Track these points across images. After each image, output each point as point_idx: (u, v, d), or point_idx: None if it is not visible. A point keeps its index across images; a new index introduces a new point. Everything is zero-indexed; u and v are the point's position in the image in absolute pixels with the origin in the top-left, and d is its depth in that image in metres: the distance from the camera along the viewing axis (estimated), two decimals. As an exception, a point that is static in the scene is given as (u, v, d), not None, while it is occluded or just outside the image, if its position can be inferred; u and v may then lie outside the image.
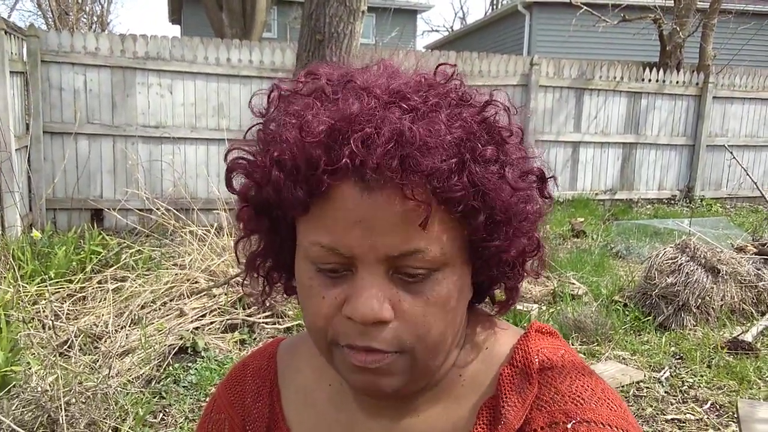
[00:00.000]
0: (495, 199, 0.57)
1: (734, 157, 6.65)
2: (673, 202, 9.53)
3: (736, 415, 2.67)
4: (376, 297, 0.57)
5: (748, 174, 6.46)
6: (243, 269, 0.70)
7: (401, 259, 0.57)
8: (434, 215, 0.56)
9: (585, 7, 11.10)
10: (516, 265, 0.65)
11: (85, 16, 22.24)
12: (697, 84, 9.54)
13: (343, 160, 0.54)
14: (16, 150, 5.76)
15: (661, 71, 9.41)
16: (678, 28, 10.33)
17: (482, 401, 0.66)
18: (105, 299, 3.95)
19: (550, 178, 0.66)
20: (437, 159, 0.54)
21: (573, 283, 4.99)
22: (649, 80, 9.27)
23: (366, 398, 0.69)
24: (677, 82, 9.46)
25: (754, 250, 4.91)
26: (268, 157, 0.58)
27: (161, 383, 3.21)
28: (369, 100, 0.57)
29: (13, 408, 2.50)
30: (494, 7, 27.46)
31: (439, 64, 0.63)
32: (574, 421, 0.60)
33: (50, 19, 20.73)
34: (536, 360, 0.65)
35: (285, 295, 0.73)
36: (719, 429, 3.04)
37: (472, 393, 0.67)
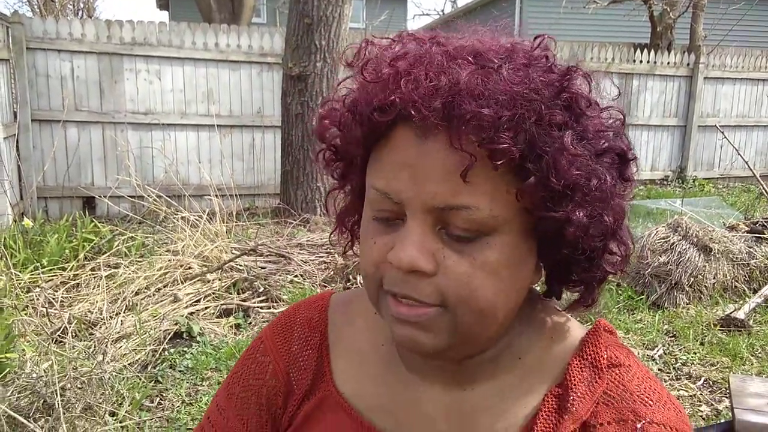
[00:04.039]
0: (551, 164, 0.55)
1: (725, 137, 6.67)
2: (665, 182, 9.57)
3: (727, 390, 2.69)
4: (417, 245, 0.57)
5: (739, 154, 6.49)
6: (334, 223, 0.74)
7: (447, 213, 0.56)
8: (482, 171, 0.54)
9: (576, -11, 11.06)
10: (589, 254, 0.61)
11: (71, 2, 21.94)
12: (688, 64, 9.54)
13: (392, 98, 0.55)
14: (4, 138, 5.70)
15: (652, 52, 9.40)
16: (668, 9, 10.31)
17: (547, 388, 0.65)
18: (98, 286, 3.93)
19: (633, 160, 0.63)
20: (483, 107, 0.53)
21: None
22: (641, 61, 9.26)
23: (416, 363, 0.69)
24: (668, 63, 9.45)
25: (746, 228, 4.94)
26: (344, 100, 0.62)
27: (157, 368, 3.21)
28: (431, 47, 0.59)
29: (9, 394, 2.49)
30: (485, -11, 27.25)
31: (537, 36, 0.61)
32: (644, 422, 0.61)
33: (35, 6, 20.44)
34: (605, 355, 0.65)
35: None
36: (712, 404, 3.07)
37: (535, 378, 0.66)
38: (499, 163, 0.54)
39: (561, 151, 0.55)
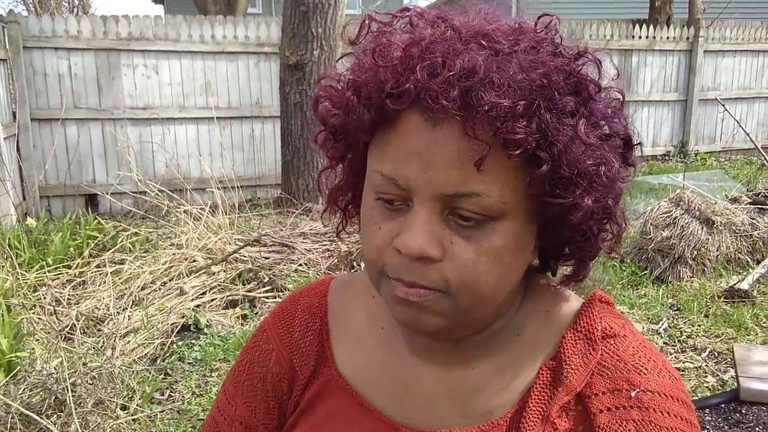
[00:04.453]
0: (563, 152, 0.55)
1: (726, 110, 6.63)
2: (667, 158, 9.52)
3: (732, 359, 2.71)
4: (426, 232, 0.56)
5: (741, 126, 6.47)
6: (325, 202, 0.73)
7: (457, 200, 0.56)
8: (494, 159, 0.54)
9: (572, -35, 10.94)
10: (588, 234, 0.62)
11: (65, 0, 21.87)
12: (687, 38, 9.45)
13: (406, 85, 0.54)
14: (4, 139, 5.71)
15: (651, 27, 9.32)
16: (666, -18, 10.20)
17: (542, 362, 0.66)
18: (104, 282, 3.96)
19: (637, 145, 0.64)
20: (501, 97, 0.52)
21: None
22: (640, 37, 9.19)
23: (417, 344, 0.69)
24: (668, 38, 9.38)
25: (748, 200, 4.94)
26: (347, 81, 0.60)
27: (166, 361, 3.24)
28: (446, 31, 0.57)
29: (21, 392, 2.53)
30: (480, -30, 26.94)
31: (541, 15, 0.61)
32: (637, 390, 0.61)
33: (31, 5, 20.37)
34: (599, 327, 0.66)
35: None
36: (718, 375, 3.09)
37: (531, 353, 0.67)
38: (516, 153, 0.54)
39: (574, 139, 0.55)
